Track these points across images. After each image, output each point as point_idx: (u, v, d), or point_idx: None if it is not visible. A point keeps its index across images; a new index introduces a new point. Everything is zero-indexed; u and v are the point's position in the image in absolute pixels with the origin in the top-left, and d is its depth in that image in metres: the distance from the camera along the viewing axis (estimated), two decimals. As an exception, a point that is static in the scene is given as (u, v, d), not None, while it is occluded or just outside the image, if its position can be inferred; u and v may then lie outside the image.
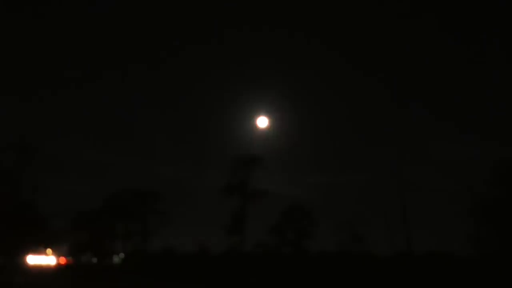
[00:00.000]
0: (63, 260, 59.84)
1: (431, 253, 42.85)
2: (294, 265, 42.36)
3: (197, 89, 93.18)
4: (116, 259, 58.72)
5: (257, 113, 55.13)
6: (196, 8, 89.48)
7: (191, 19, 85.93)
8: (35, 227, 44.28)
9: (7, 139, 41.82)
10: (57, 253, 59.17)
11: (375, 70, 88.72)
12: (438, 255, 41.84)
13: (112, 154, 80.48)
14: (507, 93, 71.97)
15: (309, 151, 79.39)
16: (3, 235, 39.27)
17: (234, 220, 45.79)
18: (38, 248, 53.36)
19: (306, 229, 48.26)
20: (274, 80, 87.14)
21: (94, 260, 58.42)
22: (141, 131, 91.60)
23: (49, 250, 56.98)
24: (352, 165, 74.90)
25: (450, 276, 32.40)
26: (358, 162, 77.80)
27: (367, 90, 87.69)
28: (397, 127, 79.18)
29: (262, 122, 46.43)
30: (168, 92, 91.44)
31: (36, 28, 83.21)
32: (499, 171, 28.63)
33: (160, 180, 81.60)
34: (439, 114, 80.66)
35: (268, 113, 58.49)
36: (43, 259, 56.50)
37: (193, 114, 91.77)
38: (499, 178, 28.54)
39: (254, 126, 47.87)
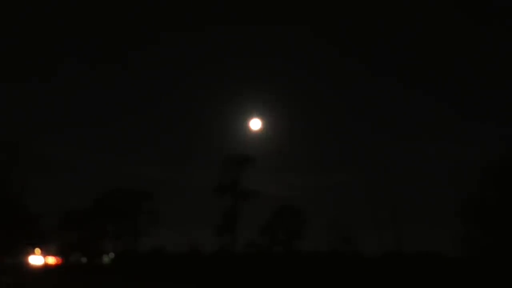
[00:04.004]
0: (51, 260, 59.28)
1: (420, 253, 43.43)
2: (285, 265, 42.54)
3: (187, 88, 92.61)
4: (106, 259, 58.33)
5: (250, 114, 55.47)
6: (188, 4, 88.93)
7: (183, 14, 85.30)
8: (24, 226, 43.77)
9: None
10: (46, 252, 58.63)
11: (373, 70, 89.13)
12: (427, 255, 42.43)
13: (98, 153, 79.70)
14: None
15: (301, 153, 79.64)
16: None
17: (226, 220, 45.84)
18: (27, 248, 52.75)
19: (297, 229, 48.55)
20: (268, 81, 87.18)
21: (84, 260, 57.95)
22: (129, 129, 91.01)
23: (37, 250, 56.40)
24: (344, 166, 75.27)
25: (439, 276, 32.86)
26: (350, 163, 78.23)
27: (363, 91, 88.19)
28: (391, 127, 79.95)
29: (255, 124, 46.57)
30: (157, 90, 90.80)
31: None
32: (492, 171, 28.88)
33: (148, 180, 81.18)
34: (432, 113, 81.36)
35: (261, 115, 58.62)
36: (31, 259, 55.95)
37: (182, 114, 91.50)
38: (492, 178, 28.82)
39: (246, 127, 48.01)
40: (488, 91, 77.99)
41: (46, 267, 53.56)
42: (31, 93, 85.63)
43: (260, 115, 59.06)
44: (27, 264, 53.91)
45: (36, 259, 56.80)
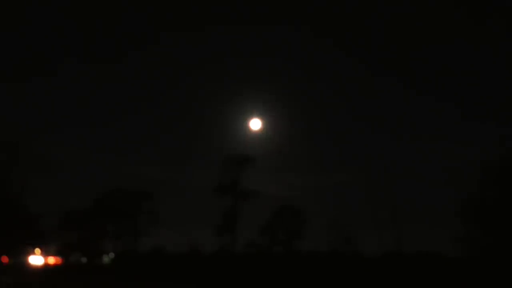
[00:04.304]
0: (51, 260, 59.30)
1: (420, 253, 43.47)
2: (285, 265, 42.54)
3: (187, 88, 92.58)
4: (106, 259, 58.34)
5: (250, 114, 55.52)
6: (188, 4, 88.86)
7: (183, 14, 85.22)
8: (24, 226, 43.78)
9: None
10: (46, 253, 58.65)
11: (373, 70, 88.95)
12: (427, 255, 42.46)
13: (98, 153, 79.67)
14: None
15: (301, 153, 79.61)
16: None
17: (226, 220, 45.85)
18: (27, 248, 52.79)
19: (297, 229, 48.56)
20: (268, 81, 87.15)
21: (84, 260, 57.96)
22: (129, 129, 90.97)
23: (37, 250, 56.42)
24: (344, 166, 75.21)
25: (439, 276, 32.88)
26: (350, 163, 78.17)
27: (363, 91, 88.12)
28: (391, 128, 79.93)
29: (255, 124, 46.57)
30: (157, 90, 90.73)
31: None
32: (492, 171, 28.85)
33: (148, 180, 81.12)
34: (434, 114, 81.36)
35: (261, 115, 58.70)
36: (31, 259, 55.99)
37: (182, 114, 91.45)
38: (492, 178, 28.78)
39: (246, 127, 48.02)
40: (488, 91, 78.01)
41: (46, 267, 53.57)
42: (31, 93, 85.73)
43: (260, 115, 59.17)
44: (27, 264, 53.93)
45: (36, 259, 56.81)
